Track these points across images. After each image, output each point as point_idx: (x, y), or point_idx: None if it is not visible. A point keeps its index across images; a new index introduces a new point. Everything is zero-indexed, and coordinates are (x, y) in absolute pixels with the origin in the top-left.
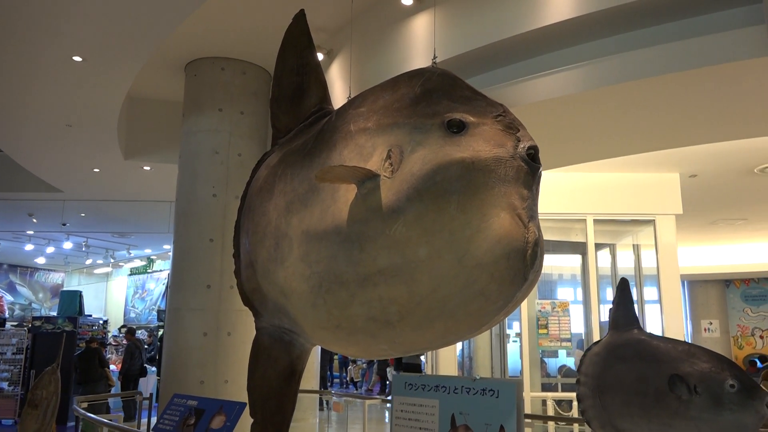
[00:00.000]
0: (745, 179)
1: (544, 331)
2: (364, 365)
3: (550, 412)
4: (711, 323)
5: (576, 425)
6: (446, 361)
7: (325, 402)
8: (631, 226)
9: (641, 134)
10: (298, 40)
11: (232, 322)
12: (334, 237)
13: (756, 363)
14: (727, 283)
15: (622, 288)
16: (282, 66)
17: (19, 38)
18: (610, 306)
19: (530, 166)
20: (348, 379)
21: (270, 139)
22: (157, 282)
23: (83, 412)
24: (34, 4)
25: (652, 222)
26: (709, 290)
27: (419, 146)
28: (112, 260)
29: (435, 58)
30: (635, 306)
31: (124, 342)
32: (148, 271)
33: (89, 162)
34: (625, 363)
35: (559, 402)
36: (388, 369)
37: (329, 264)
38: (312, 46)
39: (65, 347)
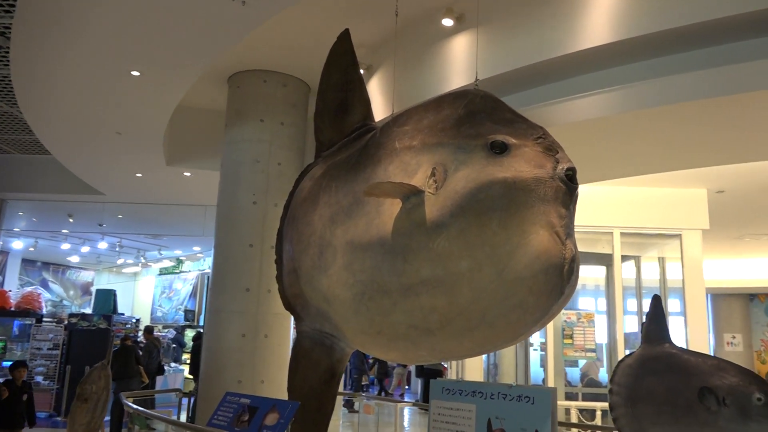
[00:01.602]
0: None
1: (569, 341)
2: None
3: (573, 421)
4: (734, 337)
5: None
6: (472, 368)
7: (357, 404)
8: (657, 240)
9: (673, 154)
10: (342, 57)
11: (270, 325)
12: (378, 248)
13: None
14: (751, 297)
15: (655, 304)
16: (327, 82)
17: (82, 54)
18: (635, 317)
19: (568, 187)
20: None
21: (308, 149)
22: (185, 282)
23: (135, 407)
24: (97, 24)
25: (678, 236)
26: (733, 304)
27: (463, 165)
28: (142, 260)
29: (477, 81)
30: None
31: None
32: (177, 271)
33: (133, 167)
34: (656, 375)
35: (581, 411)
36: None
37: (373, 273)
38: (356, 64)
39: (102, 344)
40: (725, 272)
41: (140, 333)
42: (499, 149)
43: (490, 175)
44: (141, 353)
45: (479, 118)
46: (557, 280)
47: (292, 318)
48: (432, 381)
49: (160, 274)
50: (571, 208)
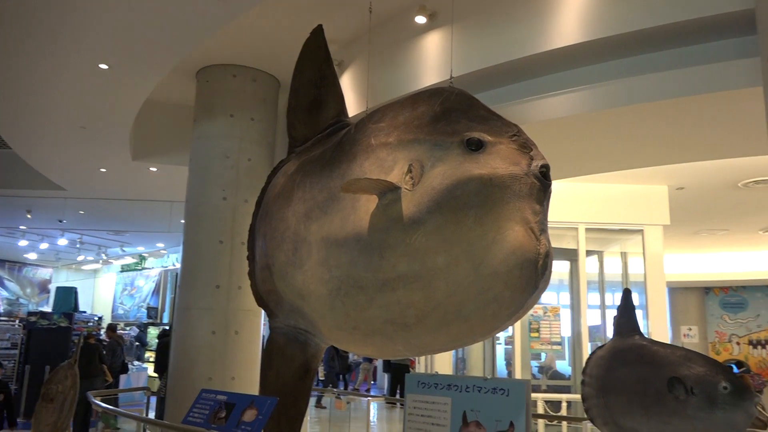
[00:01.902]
0: (729, 193)
1: (536, 334)
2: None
3: (540, 412)
4: (690, 329)
5: (587, 423)
6: (441, 363)
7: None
8: (620, 235)
9: (639, 152)
10: (315, 53)
11: (240, 322)
12: (354, 244)
13: (732, 368)
14: (706, 290)
15: (626, 297)
16: (300, 78)
17: (48, 46)
18: (597, 310)
19: (542, 183)
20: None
21: (278, 145)
22: (147, 279)
23: (109, 407)
24: (66, 15)
25: (640, 231)
26: (689, 297)
27: (439, 162)
28: (104, 257)
29: (452, 79)
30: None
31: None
32: (139, 268)
33: (97, 162)
34: (627, 366)
35: (547, 403)
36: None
37: (349, 269)
38: (330, 60)
39: (62, 343)
40: (682, 266)
41: (102, 331)
42: (475, 146)
43: (467, 172)
44: (105, 351)
45: (455, 115)
46: (532, 275)
47: (263, 314)
48: (407, 375)
49: (121, 271)
50: (545, 204)
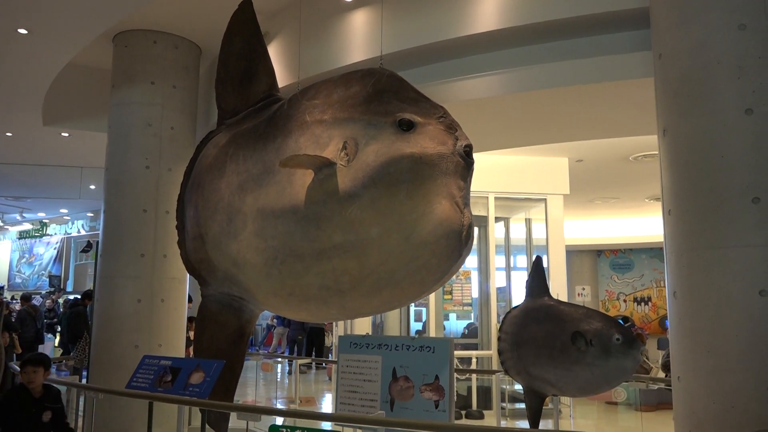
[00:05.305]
0: (621, 165)
1: (449, 296)
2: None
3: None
4: (584, 289)
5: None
6: (360, 326)
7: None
8: (525, 203)
9: (545, 130)
10: (244, 26)
11: (166, 290)
12: (291, 215)
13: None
14: (598, 253)
15: (537, 264)
16: (228, 49)
17: None
18: (503, 273)
19: (466, 162)
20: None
21: (200, 114)
22: (47, 246)
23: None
24: None
25: (543, 200)
26: (584, 259)
27: (373, 140)
28: (0, 223)
29: (382, 59)
30: (525, 272)
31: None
32: (38, 235)
33: (4, 126)
34: (537, 323)
35: (459, 359)
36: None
37: (285, 239)
38: (259, 33)
39: None
40: (578, 231)
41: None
42: (407, 126)
43: (399, 150)
44: (14, 321)
45: (386, 96)
46: (456, 244)
47: (188, 282)
48: (340, 336)
49: (19, 238)
50: (468, 180)
